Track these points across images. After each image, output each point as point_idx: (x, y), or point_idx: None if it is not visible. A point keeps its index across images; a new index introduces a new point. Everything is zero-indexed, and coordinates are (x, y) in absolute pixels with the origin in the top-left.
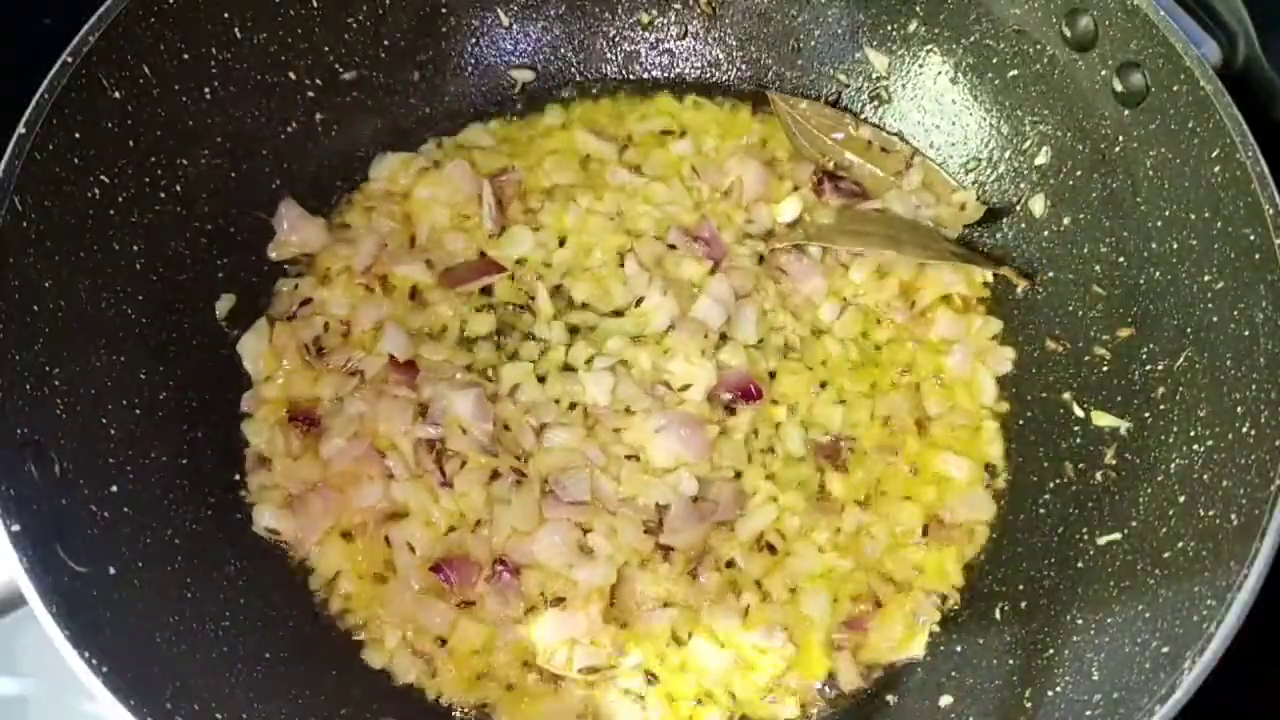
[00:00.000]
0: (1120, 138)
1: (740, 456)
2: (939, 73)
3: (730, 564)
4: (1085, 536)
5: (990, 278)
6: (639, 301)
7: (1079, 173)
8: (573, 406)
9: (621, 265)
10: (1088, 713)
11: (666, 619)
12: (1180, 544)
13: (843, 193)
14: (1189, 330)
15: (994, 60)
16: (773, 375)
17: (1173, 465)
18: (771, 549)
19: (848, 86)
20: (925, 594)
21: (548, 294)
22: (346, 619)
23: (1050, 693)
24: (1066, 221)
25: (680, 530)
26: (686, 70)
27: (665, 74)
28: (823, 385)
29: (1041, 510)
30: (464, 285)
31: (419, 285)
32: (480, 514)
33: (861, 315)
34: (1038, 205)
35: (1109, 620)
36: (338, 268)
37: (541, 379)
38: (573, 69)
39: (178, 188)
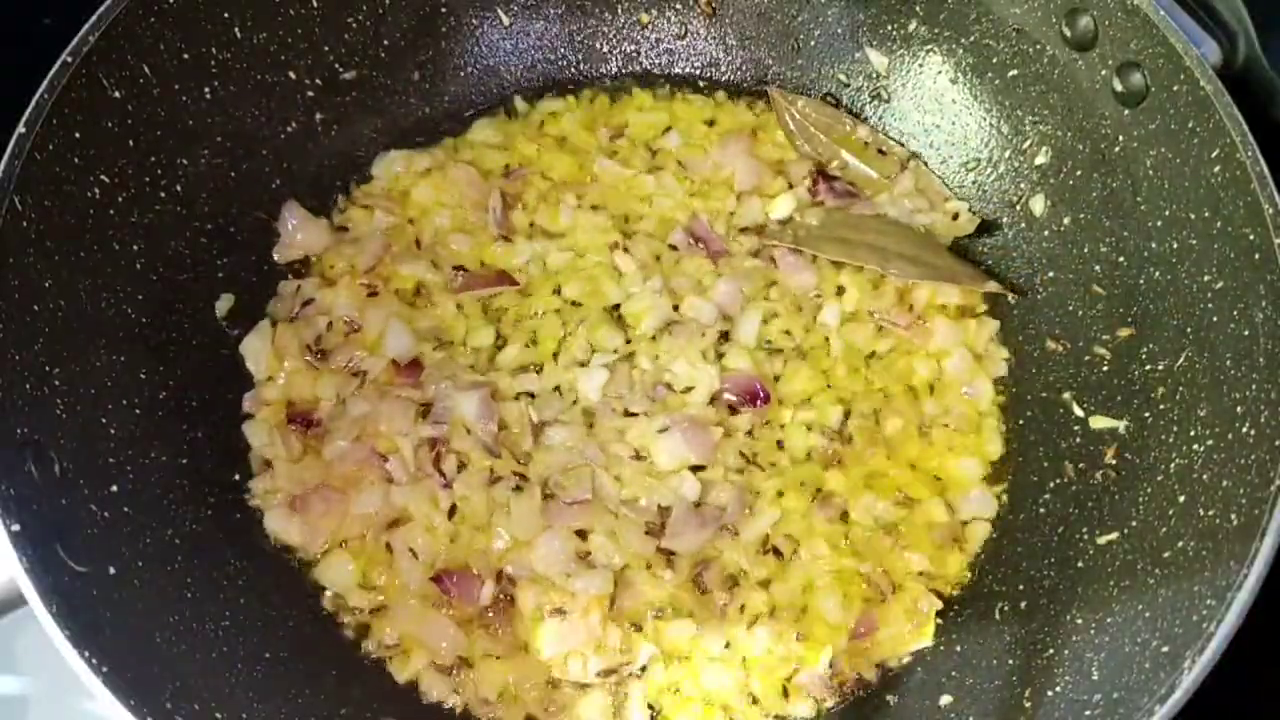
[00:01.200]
0: (1120, 138)
1: (745, 459)
2: (939, 72)
3: (735, 569)
4: (1085, 536)
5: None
6: (628, 299)
7: (1079, 173)
8: (574, 403)
9: (615, 264)
10: (1088, 713)
11: (675, 629)
12: (1180, 544)
13: (837, 194)
14: (1189, 330)
15: (994, 60)
16: (777, 378)
17: (1173, 465)
18: (777, 553)
19: (848, 86)
20: (927, 590)
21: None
22: (366, 637)
23: (1050, 693)
24: (1066, 221)
25: (682, 534)
26: (686, 69)
27: (665, 73)
28: (826, 387)
29: (1041, 510)
30: (472, 291)
31: (423, 285)
32: (481, 519)
33: (863, 325)
34: (1038, 205)
35: (1109, 620)
36: (341, 267)
37: (538, 370)
38: (573, 68)
39: (178, 188)
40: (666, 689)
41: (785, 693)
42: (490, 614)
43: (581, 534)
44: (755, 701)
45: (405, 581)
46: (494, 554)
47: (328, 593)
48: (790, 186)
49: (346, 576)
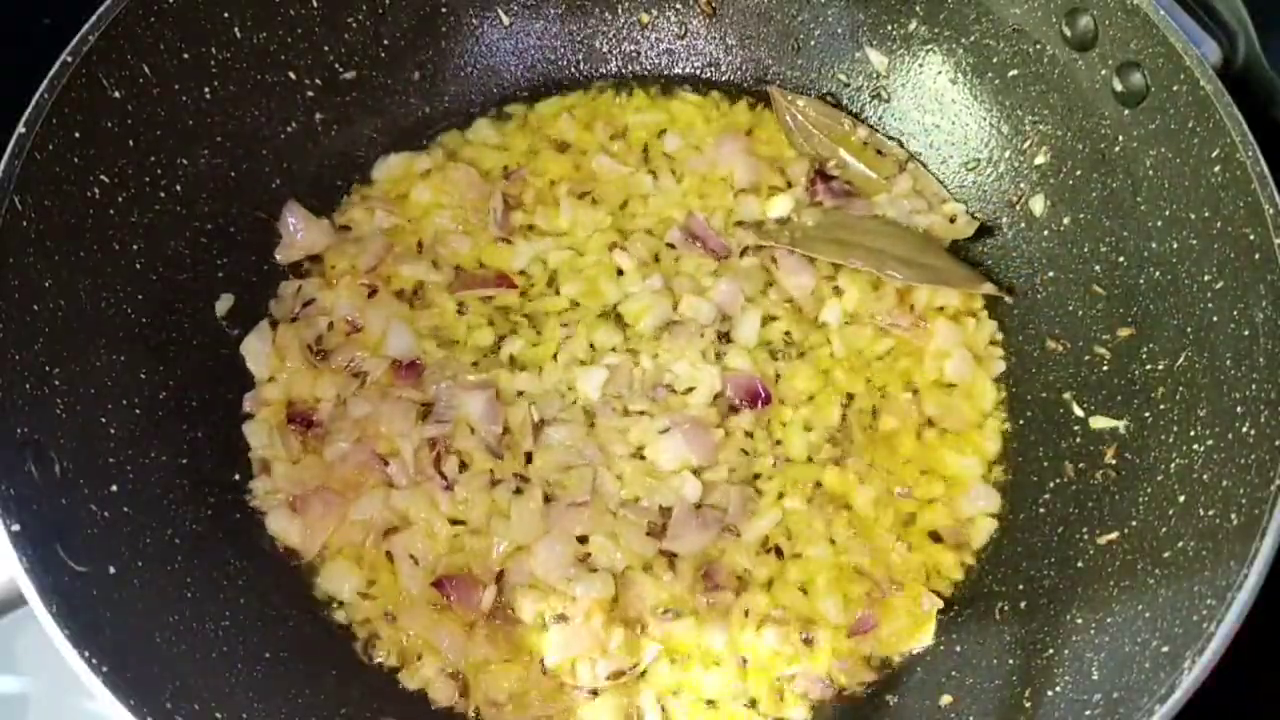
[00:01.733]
0: (1120, 138)
1: (746, 459)
2: (939, 72)
3: (739, 570)
4: (1085, 536)
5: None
6: (626, 299)
7: (1079, 173)
8: (574, 402)
9: (615, 263)
10: (1088, 713)
11: (678, 630)
12: (1180, 544)
13: (835, 194)
14: (1189, 330)
15: (994, 60)
16: (777, 378)
17: (1173, 465)
18: (779, 552)
19: (848, 86)
20: (927, 589)
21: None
22: (375, 646)
23: (1050, 693)
24: (1066, 221)
25: (683, 535)
26: (686, 69)
27: (665, 73)
28: (826, 387)
29: (1041, 510)
30: (472, 291)
31: (423, 285)
32: (481, 523)
33: (863, 325)
34: (1038, 205)
35: (1109, 620)
36: (342, 267)
37: (539, 370)
38: (573, 68)
39: (178, 188)
40: (670, 690)
41: (786, 694)
42: (492, 619)
43: (582, 538)
44: (755, 703)
45: (407, 587)
46: (494, 558)
47: (334, 603)
48: (789, 186)
49: (351, 585)
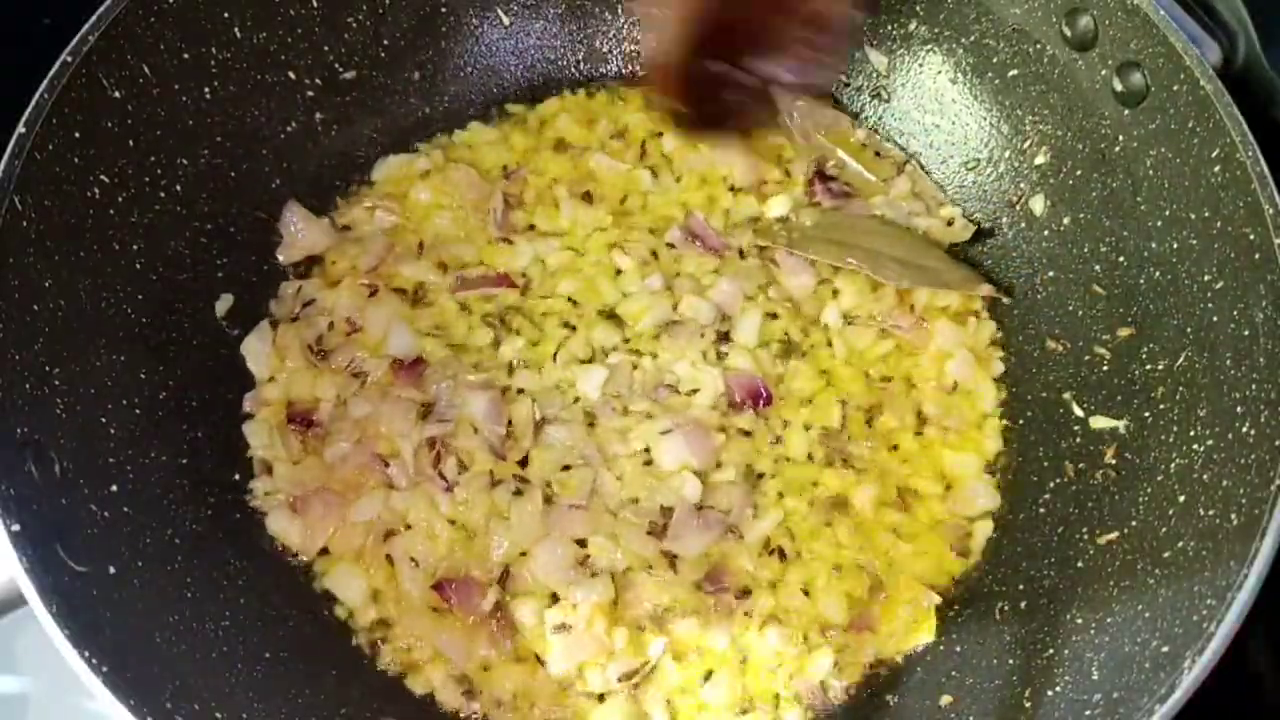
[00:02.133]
0: (1120, 138)
1: (747, 460)
2: (939, 72)
3: (743, 572)
4: (1085, 536)
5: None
6: (625, 299)
7: (1079, 173)
8: (574, 401)
9: (614, 263)
10: (1088, 712)
11: (681, 630)
12: (1180, 544)
13: (834, 194)
14: (1189, 330)
15: (994, 60)
16: (779, 378)
17: (1173, 465)
18: (781, 554)
19: (848, 86)
20: (927, 588)
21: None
22: (381, 652)
23: (1050, 692)
24: (1066, 221)
25: (683, 536)
26: None
27: None
28: (826, 387)
29: (1041, 510)
30: (472, 291)
31: (424, 285)
32: (481, 524)
33: (864, 326)
34: (1038, 205)
35: (1109, 620)
36: (343, 266)
37: (539, 368)
38: (573, 68)
39: (178, 188)
40: (675, 690)
41: (787, 694)
42: (493, 622)
43: (581, 540)
44: (756, 703)
45: (408, 590)
46: (494, 561)
47: (335, 603)
48: (788, 184)
49: (357, 591)
